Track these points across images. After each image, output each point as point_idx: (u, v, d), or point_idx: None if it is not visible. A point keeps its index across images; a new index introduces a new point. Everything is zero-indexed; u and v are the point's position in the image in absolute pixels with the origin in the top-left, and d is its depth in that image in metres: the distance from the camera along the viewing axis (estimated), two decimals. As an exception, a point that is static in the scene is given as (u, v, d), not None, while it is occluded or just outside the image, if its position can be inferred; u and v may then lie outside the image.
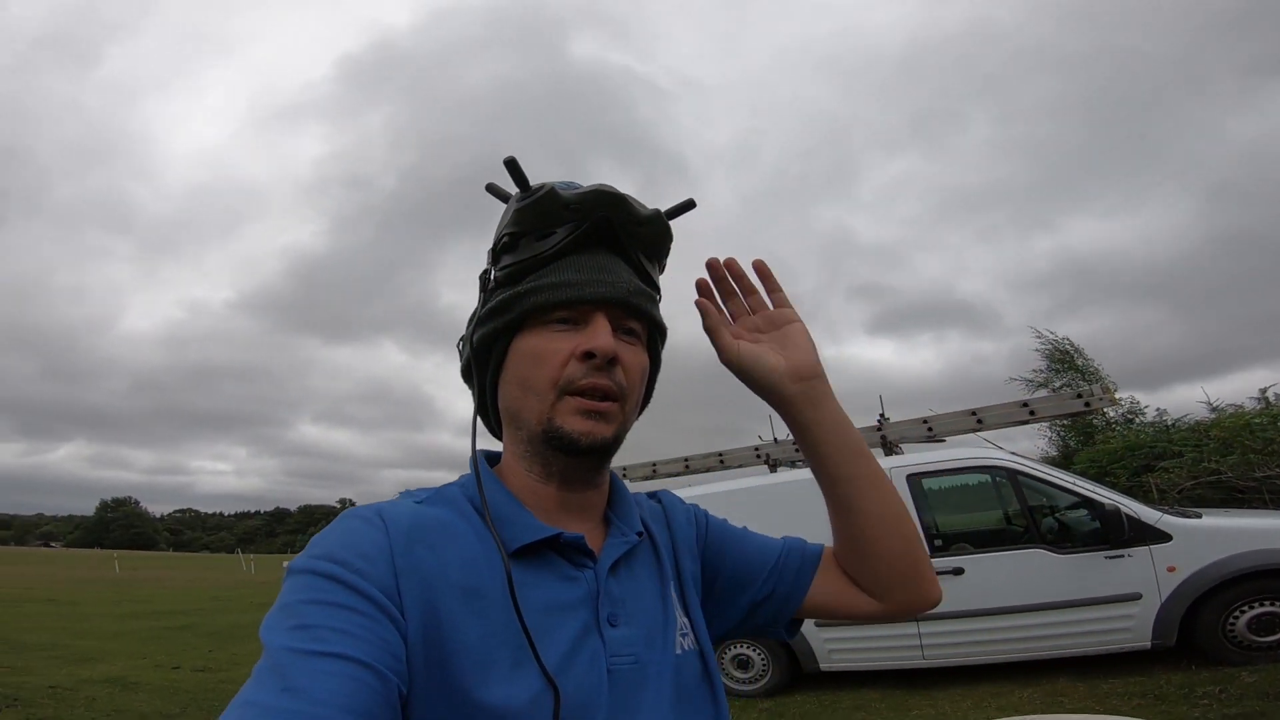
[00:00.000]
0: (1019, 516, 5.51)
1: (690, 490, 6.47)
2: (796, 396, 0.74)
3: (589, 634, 0.62)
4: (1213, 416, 10.72)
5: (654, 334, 0.73)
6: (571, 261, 0.66)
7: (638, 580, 0.70)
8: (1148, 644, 4.71)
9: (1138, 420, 12.93)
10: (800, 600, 0.78)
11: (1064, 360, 15.11)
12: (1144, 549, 4.75)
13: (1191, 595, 4.60)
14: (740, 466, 9.76)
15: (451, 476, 0.73)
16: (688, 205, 0.74)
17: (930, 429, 8.31)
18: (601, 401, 0.64)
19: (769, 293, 0.79)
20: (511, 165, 0.66)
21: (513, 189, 0.69)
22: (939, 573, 4.75)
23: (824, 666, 5.50)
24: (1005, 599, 5.03)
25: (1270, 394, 10.43)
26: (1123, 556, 4.78)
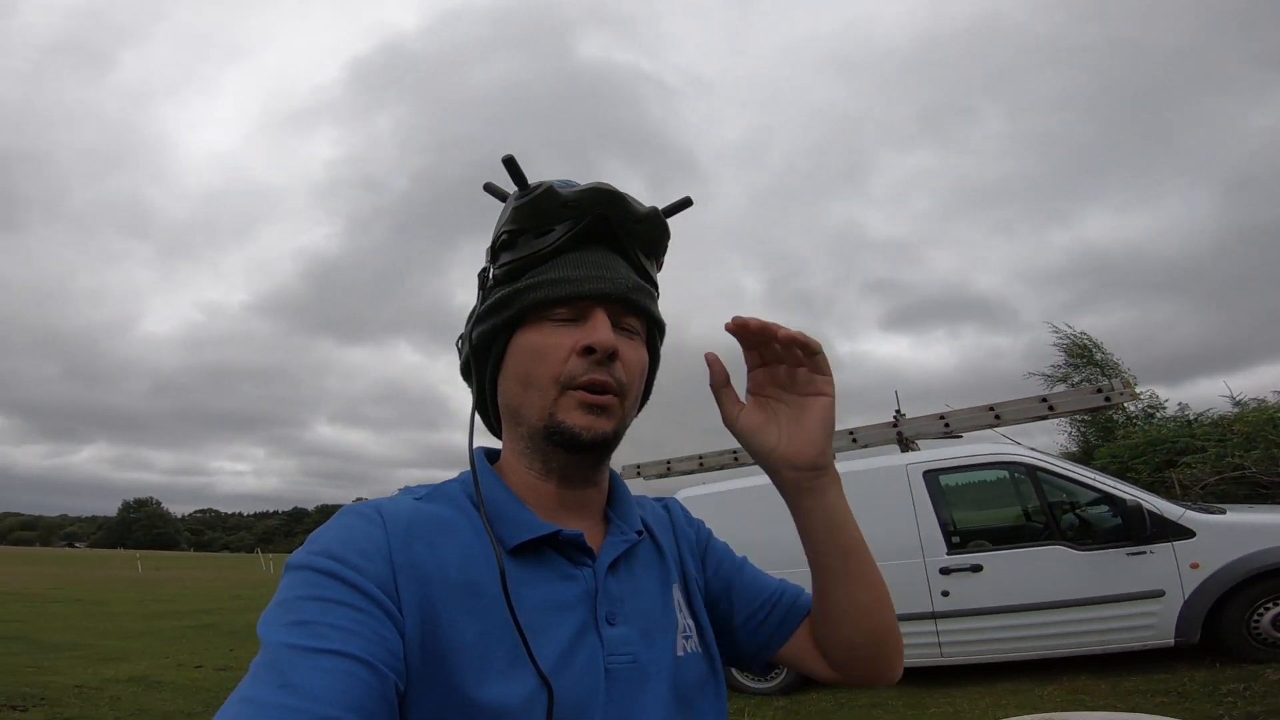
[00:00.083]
0: (1038, 513, 5.46)
1: (705, 488, 6.45)
2: (788, 483, 0.69)
3: (587, 633, 0.61)
4: (1236, 411, 10.54)
5: (653, 330, 0.73)
6: (570, 258, 0.66)
7: (638, 580, 0.69)
8: (1171, 641, 4.65)
9: (1159, 415, 12.74)
10: (778, 648, 0.77)
11: (1082, 355, 14.91)
12: (1166, 545, 4.69)
13: (1215, 592, 4.54)
14: (755, 464, 9.70)
15: (463, 476, 0.72)
16: (684, 203, 0.75)
17: (947, 425, 8.22)
18: (602, 396, 0.64)
19: (806, 355, 0.67)
20: (510, 164, 0.66)
21: (511, 188, 0.69)
22: (957, 570, 4.71)
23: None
24: (1024, 596, 4.99)
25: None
26: (1145, 553, 4.73)
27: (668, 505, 0.83)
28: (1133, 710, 4.01)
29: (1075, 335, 15.17)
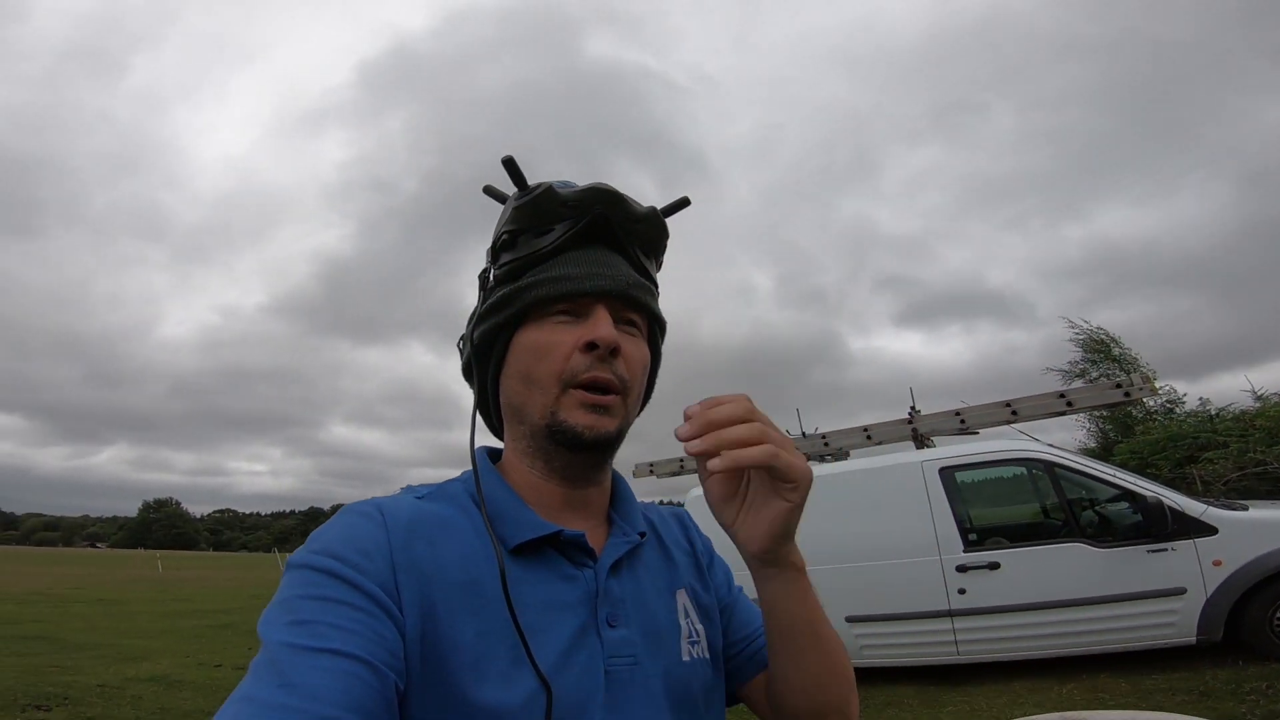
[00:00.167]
0: (1057, 510, 5.41)
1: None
2: (750, 566, 0.65)
3: (587, 634, 0.61)
4: (1257, 405, 10.39)
5: (654, 328, 0.73)
6: (570, 257, 0.67)
7: (640, 582, 0.69)
8: (1193, 639, 4.59)
9: (1178, 410, 12.58)
10: (741, 684, 0.76)
11: (1100, 350, 14.76)
12: (1188, 542, 4.63)
13: (1238, 589, 4.49)
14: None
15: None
16: (683, 203, 0.76)
17: (963, 421, 8.15)
18: (604, 395, 0.64)
19: (766, 471, 0.59)
20: (509, 165, 0.66)
21: (511, 189, 0.69)
22: (974, 568, 4.66)
23: (855, 662, 5.44)
24: (1043, 594, 4.94)
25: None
26: (1166, 550, 4.67)
27: (680, 515, 0.84)
28: (1155, 709, 3.96)
29: (1092, 330, 15.04)
